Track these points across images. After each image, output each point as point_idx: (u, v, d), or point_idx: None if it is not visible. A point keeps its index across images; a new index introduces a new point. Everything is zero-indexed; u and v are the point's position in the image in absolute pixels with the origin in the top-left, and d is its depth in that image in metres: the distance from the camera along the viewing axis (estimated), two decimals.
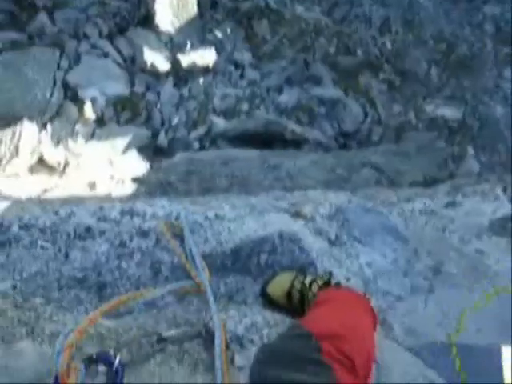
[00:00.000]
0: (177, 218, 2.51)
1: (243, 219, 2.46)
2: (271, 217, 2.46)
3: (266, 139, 7.93)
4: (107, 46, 7.41)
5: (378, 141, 7.84)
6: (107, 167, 7.22)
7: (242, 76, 8.41)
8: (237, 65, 8.48)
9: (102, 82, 7.44)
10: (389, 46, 8.56)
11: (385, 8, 8.93)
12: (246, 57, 8.47)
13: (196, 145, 7.89)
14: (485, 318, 2.12)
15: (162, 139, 7.78)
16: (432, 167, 6.96)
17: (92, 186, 6.89)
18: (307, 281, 2.12)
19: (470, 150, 7.83)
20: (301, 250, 2.26)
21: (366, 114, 8.07)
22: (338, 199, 2.69)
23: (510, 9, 8.49)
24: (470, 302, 2.26)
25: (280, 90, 8.38)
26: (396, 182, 6.43)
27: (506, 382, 1.91)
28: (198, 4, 8.41)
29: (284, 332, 1.52)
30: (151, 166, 7.37)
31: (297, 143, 7.93)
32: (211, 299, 1.95)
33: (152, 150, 7.72)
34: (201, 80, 8.34)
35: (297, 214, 2.50)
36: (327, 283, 2.09)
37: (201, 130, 8.03)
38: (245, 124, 8.10)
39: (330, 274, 2.15)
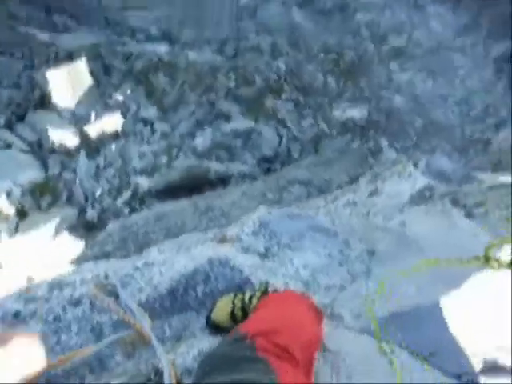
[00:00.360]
0: (106, 277, 2.45)
1: (172, 259, 2.44)
2: (198, 249, 2.47)
3: (192, 185, 7.96)
4: (8, 136, 7.24)
5: (299, 157, 8.09)
6: (40, 257, 6.95)
7: (152, 131, 8.47)
8: (145, 122, 8.53)
9: (12, 173, 7.22)
10: (283, 67, 8.96)
11: (270, 35, 9.39)
12: (152, 112, 8.55)
13: (126, 210, 7.79)
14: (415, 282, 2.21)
15: (91, 214, 7.62)
16: (354, 167, 7.25)
17: (29, 280, 6.59)
18: (246, 297, 2.13)
19: (384, 142, 8.26)
20: (233, 270, 2.27)
21: (280, 136, 8.34)
22: (260, 214, 2.74)
23: (378, 13, 9.21)
24: (404, 271, 2.34)
25: (193, 135, 8.50)
26: (325, 189, 6.62)
27: (452, 331, 1.98)
28: (92, 73, 8.44)
29: (220, 341, 1.53)
30: (86, 243, 7.17)
31: (223, 180, 8.03)
32: (155, 341, 1.90)
33: (83, 227, 7.53)
34: (113, 146, 8.31)
35: (222, 240, 2.52)
36: (265, 293, 2.11)
37: (126, 195, 7.95)
38: (168, 176, 8.12)
39: (266, 283, 2.17)
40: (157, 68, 9.05)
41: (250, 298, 2.12)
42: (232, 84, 9.01)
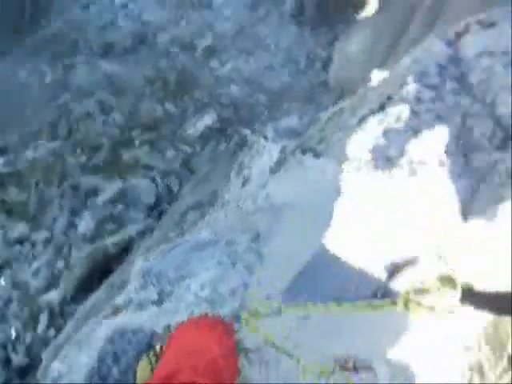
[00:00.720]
0: None
1: (76, 359, 2.27)
2: (96, 334, 2.32)
3: (101, 270, 7.62)
4: None
5: (180, 187, 8.02)
6: None
7: (33, 245, 8.00)
8: (20, 241, 8.02)
9: None
10: (120, 118, 8.83)
11: (91, 96, 9.19)
12: (21, 228, 8.05)
13: (51, 333, 7.30)
14: None
15: (17, 360, 7.03)
16: (229, 167, 7.32)
17: None
18: (157, 350, 2.05)
19: (246, 131, 8.45)
20: (135, 334, 2.16)
21: (153, 179, 8.23)
22: (138, 266, 2.64)
23: (173, 28, 9.39)
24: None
25: (74, 225, 8.14)
26: (214, 202, 6.62)
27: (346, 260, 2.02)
28: None
29: None
30: None
31: (126, 249, 7.76)
32: None
33: (16, 377, 6.93)
34: (2, 280, 7.72)
35: (115, 311, 2.40)
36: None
37: (43, 319, 7.44)
38: (73, 276, 7.71)
39: (168, 326, 2.10)
40: (2, 183, 8.54)
41: (161, 348, 2.04)
42: (83, 158, 8.73)
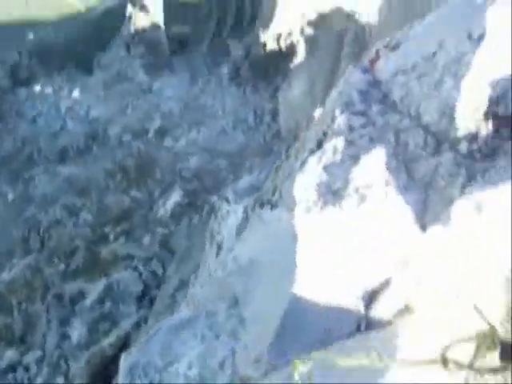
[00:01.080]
0: None
1: None
2: None
3: (104, 373, 7.39)
4: None
5: (164, 271, 7.93)
6: None
7: (27, 370, 7.72)
8: (12, 368, 7.74)
9: None
10: (86, 215, 8.80)
11: (55, 202, 9.19)
12: (10, 354, 7.77)
13: None
14: None
15: None
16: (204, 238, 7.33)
17: None
18: None
19: (213, 198, 8.51)
20: None
21: (135, 268, 8.12)
22: (122, 368, 2.55)
23: (122, 116, 9.67)
24: None
25: (67, 336, 7.91)
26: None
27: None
28: None
29: None
30: None
31: (125, 344, 7.55)
32: None
33: None
34: None
35: None
36: None
37: None
38: None
39: None
40: None
41: None
42: (61, 266, 8.60)
